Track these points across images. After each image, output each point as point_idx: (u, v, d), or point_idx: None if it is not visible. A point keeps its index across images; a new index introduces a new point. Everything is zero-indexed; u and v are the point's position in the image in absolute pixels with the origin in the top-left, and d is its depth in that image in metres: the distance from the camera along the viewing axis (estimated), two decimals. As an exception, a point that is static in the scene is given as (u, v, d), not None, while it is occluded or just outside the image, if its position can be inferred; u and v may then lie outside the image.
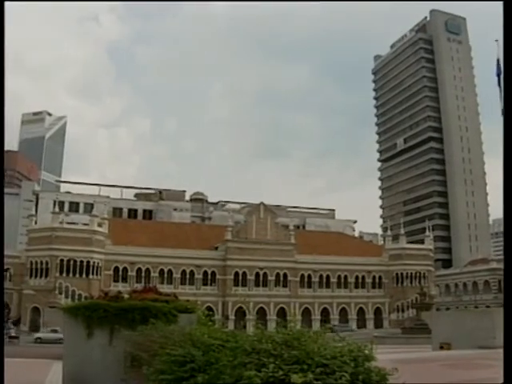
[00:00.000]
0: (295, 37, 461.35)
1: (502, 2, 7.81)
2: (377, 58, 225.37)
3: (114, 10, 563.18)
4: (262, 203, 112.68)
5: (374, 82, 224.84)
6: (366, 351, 8.31)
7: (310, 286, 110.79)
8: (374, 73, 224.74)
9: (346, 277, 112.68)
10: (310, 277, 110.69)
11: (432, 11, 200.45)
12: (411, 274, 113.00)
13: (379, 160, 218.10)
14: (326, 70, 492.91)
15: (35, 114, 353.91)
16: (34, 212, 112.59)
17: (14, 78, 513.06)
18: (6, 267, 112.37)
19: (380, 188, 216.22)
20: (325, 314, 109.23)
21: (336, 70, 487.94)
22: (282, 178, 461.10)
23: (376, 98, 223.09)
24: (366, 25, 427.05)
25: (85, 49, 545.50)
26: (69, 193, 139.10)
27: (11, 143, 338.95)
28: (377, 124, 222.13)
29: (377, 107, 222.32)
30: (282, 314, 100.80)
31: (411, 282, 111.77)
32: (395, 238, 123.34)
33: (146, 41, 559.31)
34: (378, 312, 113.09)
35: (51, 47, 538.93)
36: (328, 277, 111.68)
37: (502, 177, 7.42)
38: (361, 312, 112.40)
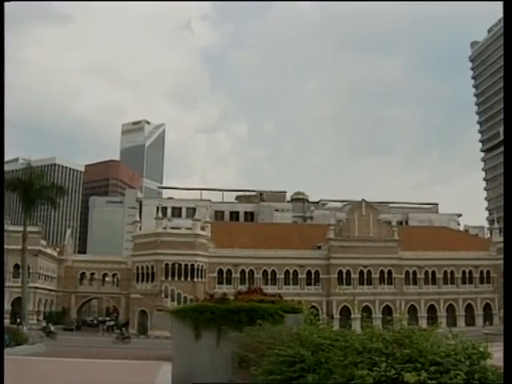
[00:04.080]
0: (388, 29, 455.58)
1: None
2: (474, 44, 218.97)
3: (205, 17, 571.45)
4: (363, 200, 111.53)
5: (472, 69, 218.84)
6: (481, 349, 8.03)
7: (415, 283, 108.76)
8: (472, 60, 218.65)
9: (452, 272, 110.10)
10: (415, 273, 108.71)
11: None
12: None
13: (482, 150, 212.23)
14: (422, 61, 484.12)
15: (135, 123, 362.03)
16: (138, 218, 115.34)
17: (114, 90, 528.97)
18: (113, 273, 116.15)
19: (484, 179, 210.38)
20: (431, 311, 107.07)
21: (432, 60, 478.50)
22: (383, 174, 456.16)
23: (475, 86, 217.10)
24: (461, 11, 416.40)
25: (179, 57, 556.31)
26: (171, 198, 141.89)
27: (113, 153, 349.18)
28: (477, 113, 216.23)
29: (476, 95, 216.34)
30: (387, 311, 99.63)
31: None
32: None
33: (238, 45, 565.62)
34: (487, 308, 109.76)
35: (147, 57, 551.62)
36: (434, 273, 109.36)
37: (503, 176, 7.05)
38: (469, 308, 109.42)
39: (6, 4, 10.78)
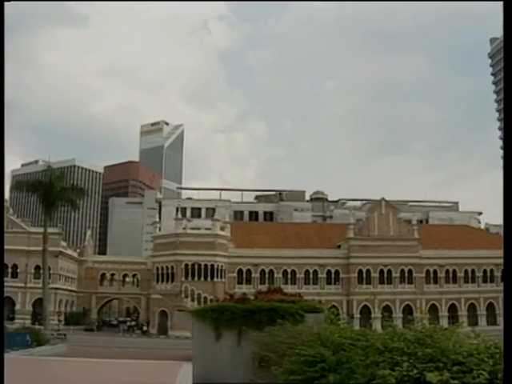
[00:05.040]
0: (407, 27, 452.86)
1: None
2: (493, 40, 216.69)
3: (222, 17, 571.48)
4: (383, 199, 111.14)
5: (492, 66, 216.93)
6: (504, 348, 7.95)
7: (436, 282, 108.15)
8: (491, 56, 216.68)
9: (473, 271, 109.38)
10: (435, 272, 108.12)
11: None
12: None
13: (503, 147, 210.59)
14: (442, 59, 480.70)
15: (153, 124, 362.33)
16: (157, 219, 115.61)
17: (132, 92, 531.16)
18: (133, 273, 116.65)
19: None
20: (452, 310, 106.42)
21: (452, 57, 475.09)
22: (403, 173, 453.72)
23: (495, 83, 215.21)
24: (480, 7, 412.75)
25: (197, 57, 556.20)
26: (190, 199, 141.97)
27: (132, 154, 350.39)
28: (497, 110, 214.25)
29: (496, 92, 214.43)
30: (407, 311, 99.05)
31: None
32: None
33: (255, 45, 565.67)
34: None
35: (164, 58, 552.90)
36: (454, 272, 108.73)
37: (503, 176, 6.97)
38: (490, 307, 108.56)
39: (25, 8, 10.84)
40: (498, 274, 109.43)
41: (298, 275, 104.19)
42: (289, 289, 73.82)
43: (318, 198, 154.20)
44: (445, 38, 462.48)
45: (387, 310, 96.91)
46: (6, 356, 33.98)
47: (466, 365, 7.25)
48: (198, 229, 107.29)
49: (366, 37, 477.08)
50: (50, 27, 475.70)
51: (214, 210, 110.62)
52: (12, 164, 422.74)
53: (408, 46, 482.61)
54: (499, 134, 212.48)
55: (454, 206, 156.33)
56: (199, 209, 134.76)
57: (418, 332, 8.70)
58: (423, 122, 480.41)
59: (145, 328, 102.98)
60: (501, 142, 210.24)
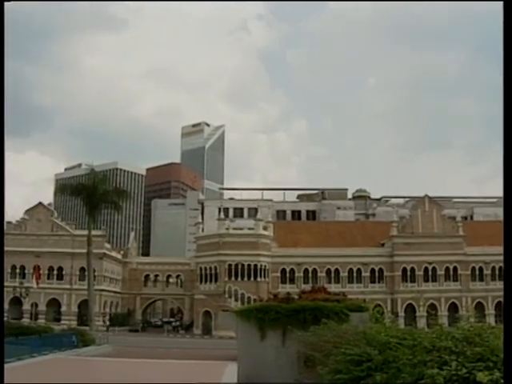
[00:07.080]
0: (447, 19, 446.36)
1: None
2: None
3: (261, 17, 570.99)
4: (426, 196, 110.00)
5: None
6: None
7: (481, 279, 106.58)
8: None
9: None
10: (481, 269, 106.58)
11: None
12: None
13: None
14: (482, 54, 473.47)
15: (194, 125, 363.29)
16: (200, 220, 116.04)
17: (172, 93, 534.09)
18: (177, 274, 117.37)
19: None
20: (499, 308, 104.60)
21: (493, 52, 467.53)
22: (446, 169, 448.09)
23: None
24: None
25: (237, 58, 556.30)
26: (232, 199, 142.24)
27: (174, 156, 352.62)
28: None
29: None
30: (453, 309, 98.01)
31: None
32: None
33: (294, 44, 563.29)
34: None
35: (204, 59, 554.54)
36: (501, 269, 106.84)
37: (503, 175, 6.78)
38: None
39: (65, 13, 10.94)
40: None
41: (341, 274, 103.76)
42: (332, 288, 73.58)
43: (361, 196, 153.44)
44: (485, 32, 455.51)
45: (432, 309, 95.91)
46: (54, 356, 34.58)
47: (517, 364, 7.09)
48: (241, 229, 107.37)
49: (404, 33, 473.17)
50: (91, 32, 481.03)
51: (256, 209, 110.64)
52: (56, 168, 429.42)
53: (448, 42, 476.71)
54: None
55: (500, 201, 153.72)
56: (241, 209, 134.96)
57: (465, 330, 8.56)
58: (464, 118, 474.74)
59: (178, 326, 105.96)
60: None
